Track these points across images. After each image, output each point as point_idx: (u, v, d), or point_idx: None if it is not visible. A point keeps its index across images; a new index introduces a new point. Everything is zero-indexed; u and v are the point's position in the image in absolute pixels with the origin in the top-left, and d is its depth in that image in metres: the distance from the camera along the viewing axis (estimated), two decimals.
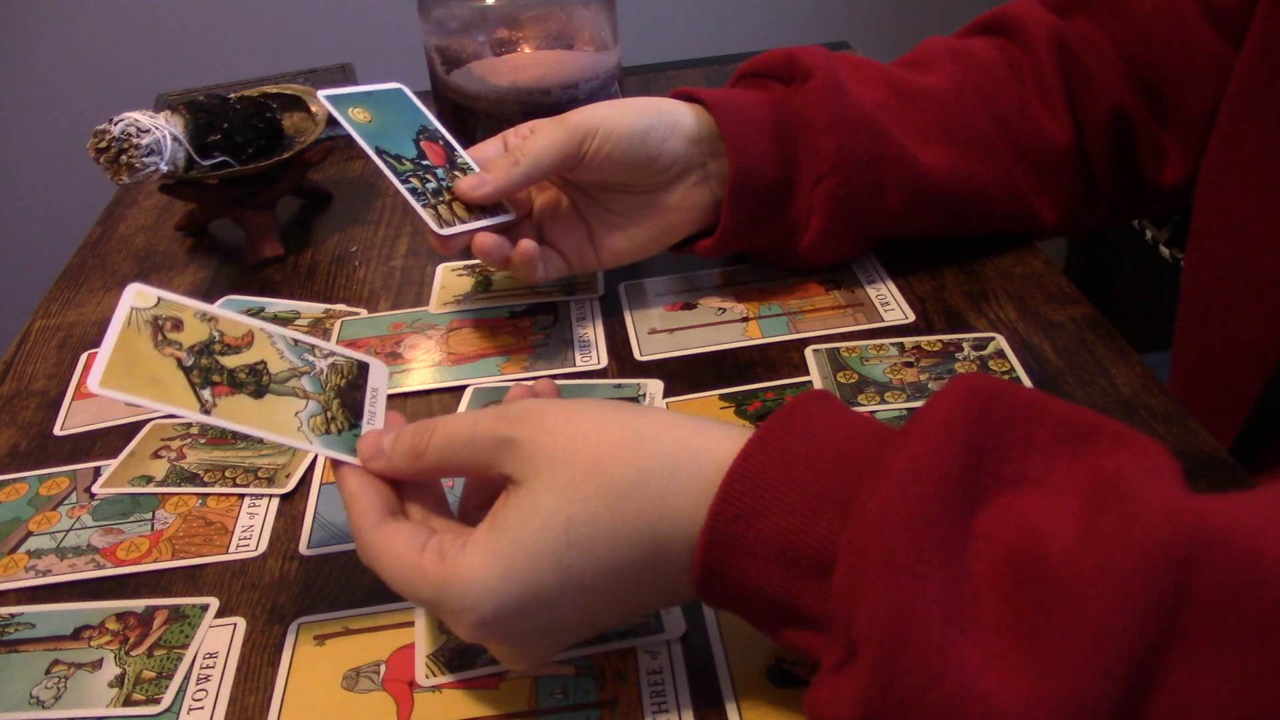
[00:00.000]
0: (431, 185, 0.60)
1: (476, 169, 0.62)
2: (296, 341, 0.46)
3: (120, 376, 0.41)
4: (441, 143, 0.63)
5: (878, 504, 0.34)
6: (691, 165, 0.62)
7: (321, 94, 0.60)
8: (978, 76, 0.66)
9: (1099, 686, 0.30)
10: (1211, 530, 0.30)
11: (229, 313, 0.45)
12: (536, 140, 0.59)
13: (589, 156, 0.59)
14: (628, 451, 0.38)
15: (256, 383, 0.44)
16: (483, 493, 0.44)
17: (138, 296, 0.43)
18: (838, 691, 0.35)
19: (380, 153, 0.59)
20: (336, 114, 0.60)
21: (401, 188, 0.59)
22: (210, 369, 0.43)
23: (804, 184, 0.63)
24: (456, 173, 0.61)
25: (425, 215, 0.58)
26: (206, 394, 0.42)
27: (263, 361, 0.45)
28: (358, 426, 0.45)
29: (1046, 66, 0.66)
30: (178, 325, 0.44)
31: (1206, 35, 0.64)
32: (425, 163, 0.60)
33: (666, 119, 0.61)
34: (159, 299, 0.44)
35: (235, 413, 0.42)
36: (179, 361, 0.43)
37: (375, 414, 0.46)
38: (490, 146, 0.63)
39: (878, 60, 0.69)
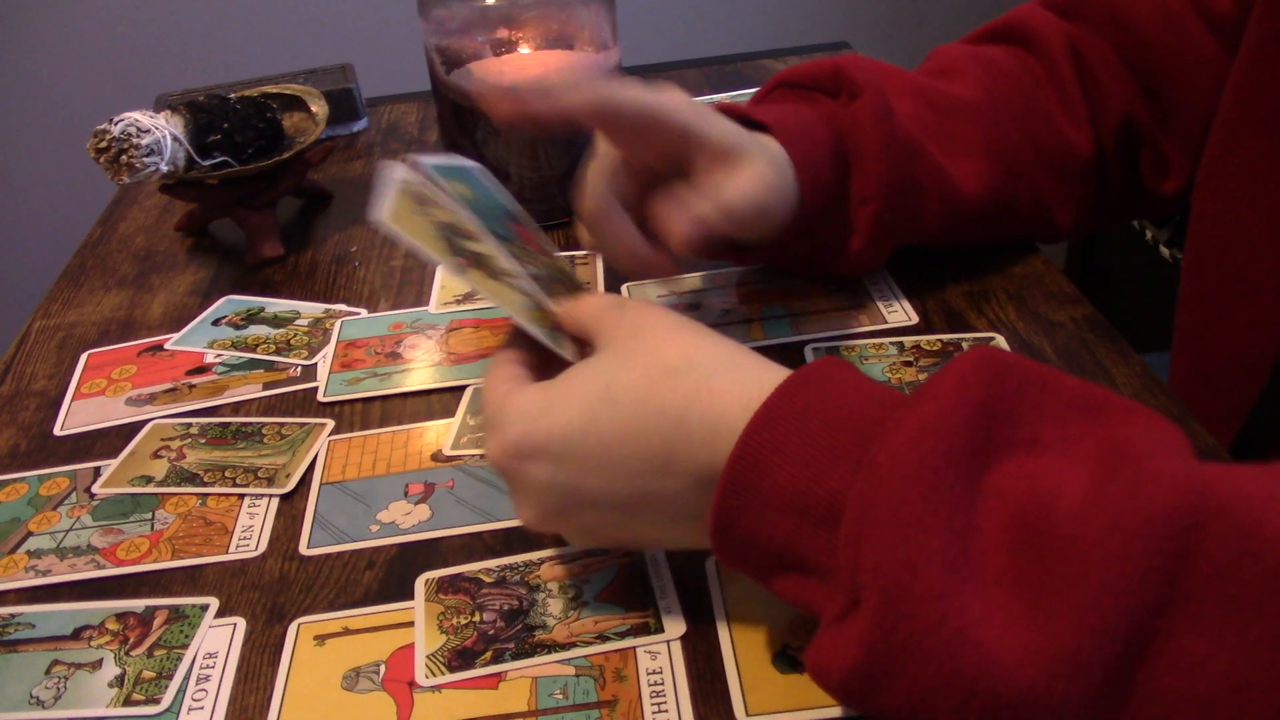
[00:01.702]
0: (544, 274, 0.51)
1: (572, 273, 0.55)
2: (513, 252, 0.50)
3: (399, 218, 0.46)
4: (520, 219, 0.55)
5: (888, 458, 0.35)
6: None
7: (428, 161, 0.51)
8: (1003, 87, 0.66)
9: (1096, 643, 0.31)
10: (1217, 499, 0.31)
11: (464, 210, 0.49)
12: (732, 193, 0.52)
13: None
14: (685, 342, 0.43)
15: (491, 269, 0.48)
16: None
17: (400, 170, 0.49)
18: (839, 640, 0.35)
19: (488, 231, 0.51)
20: (439, 182, 0.50)
21: (524, 273, 0.49)
22: (458, 243, 0.48)
23: (851, 204, 0.61)
24: (559, 263, 0.54)
25: (539, 333, 0.48)
26: (459, 260, 0.47)
27: (492, 255, 0.49)
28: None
29: (1065, 75, 0.66)
30: (433, 202, 0.49)
31: (1203, 40, 0.64)
32: (528, 247, 0.53)
33: (784, 178, 0.55)
34: (418, 179, 0.49)
35: (480, 282, 0.47)
36: (436, 228, 0.48)
37: None
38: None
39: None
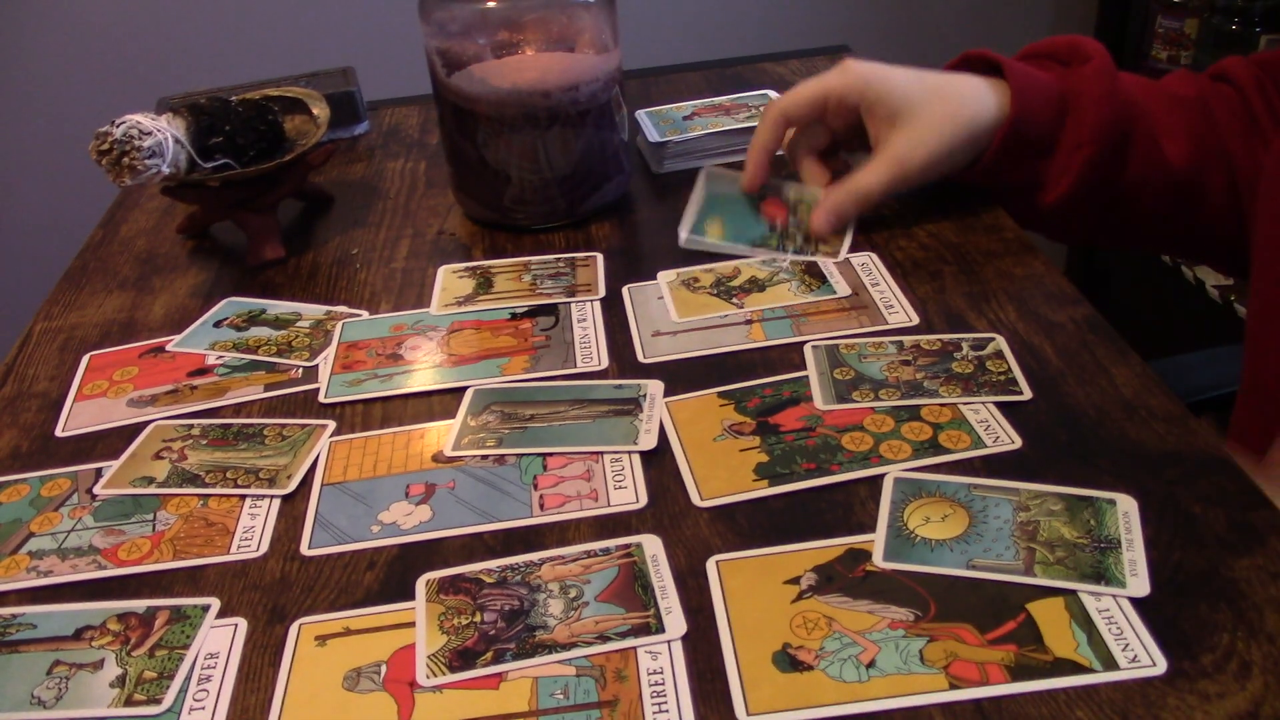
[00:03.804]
0: (799, 238, 0.73)
1: (815, 191, 0.75)
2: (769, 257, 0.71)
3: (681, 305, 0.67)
4: (768, 193, 0.75)
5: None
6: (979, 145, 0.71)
7: (684, 237, 0.73)
8: (1213, 96, 0.74)
9: None
10: None
11: (739, 253, 0.72)
12: (870, 181, 0.71)
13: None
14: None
15: (758, 288, 0.68)
16: None
17: (663, 276, 0.71)
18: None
19: (752, 245, 0.72)
20: (698, 244, 0.73)
21: (787, 257, 0.71)
22: (730, 291, 0.68)
23: (1065, 148, 0.71)
24: (802, 207, 0.74)
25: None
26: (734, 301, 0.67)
27: (753, 277, 0.69)
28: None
29: (1255, 104, 0.73)
30: (698, 280, 0.70)
31: None
32: (775, 226, 0.74)
33: (970, 130, 0.70)
34: (676, 274, 0.71)
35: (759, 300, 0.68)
36: (709, 291, 0.69)
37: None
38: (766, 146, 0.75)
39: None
